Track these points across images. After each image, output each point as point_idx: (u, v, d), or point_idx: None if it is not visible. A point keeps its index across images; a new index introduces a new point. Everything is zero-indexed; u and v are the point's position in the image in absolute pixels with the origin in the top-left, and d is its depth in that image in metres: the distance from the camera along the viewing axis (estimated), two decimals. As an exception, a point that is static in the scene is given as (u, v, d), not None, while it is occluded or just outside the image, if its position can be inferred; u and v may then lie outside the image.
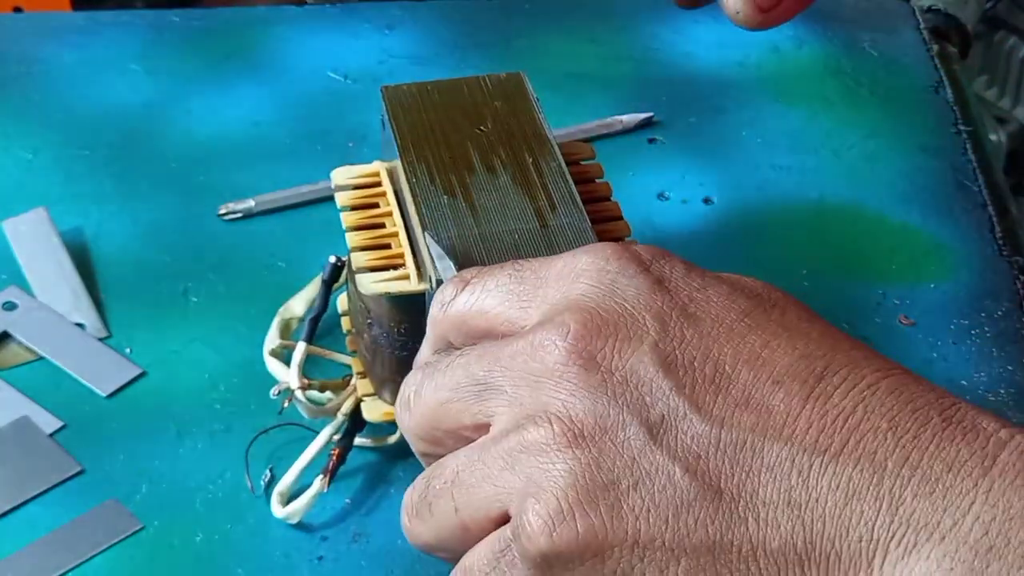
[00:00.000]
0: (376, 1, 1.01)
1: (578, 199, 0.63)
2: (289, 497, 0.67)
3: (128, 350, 0.75)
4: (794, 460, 0.45)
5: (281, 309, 0.74)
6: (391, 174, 0.68)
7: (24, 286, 0.78)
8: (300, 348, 0.69)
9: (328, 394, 0.69)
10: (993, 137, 1.25)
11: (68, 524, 0.67)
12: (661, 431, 0.46)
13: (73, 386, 0.73)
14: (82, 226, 0.82)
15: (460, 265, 0.58)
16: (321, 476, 0.66)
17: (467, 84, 0.69)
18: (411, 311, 0.62)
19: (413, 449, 0.53)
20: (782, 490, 0.45)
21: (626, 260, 0.50)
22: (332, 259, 0.72)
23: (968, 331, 0.77)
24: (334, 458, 0.67)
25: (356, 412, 0.67)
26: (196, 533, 0.67)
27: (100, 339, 0.76)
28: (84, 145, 0.88)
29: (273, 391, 0.68)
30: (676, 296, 0.49)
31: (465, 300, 0.52)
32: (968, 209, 0.86)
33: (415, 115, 0.67)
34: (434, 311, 0.54)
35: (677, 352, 0.47)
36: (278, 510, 0.66)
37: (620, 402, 0.47)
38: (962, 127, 0.92)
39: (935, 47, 0.99)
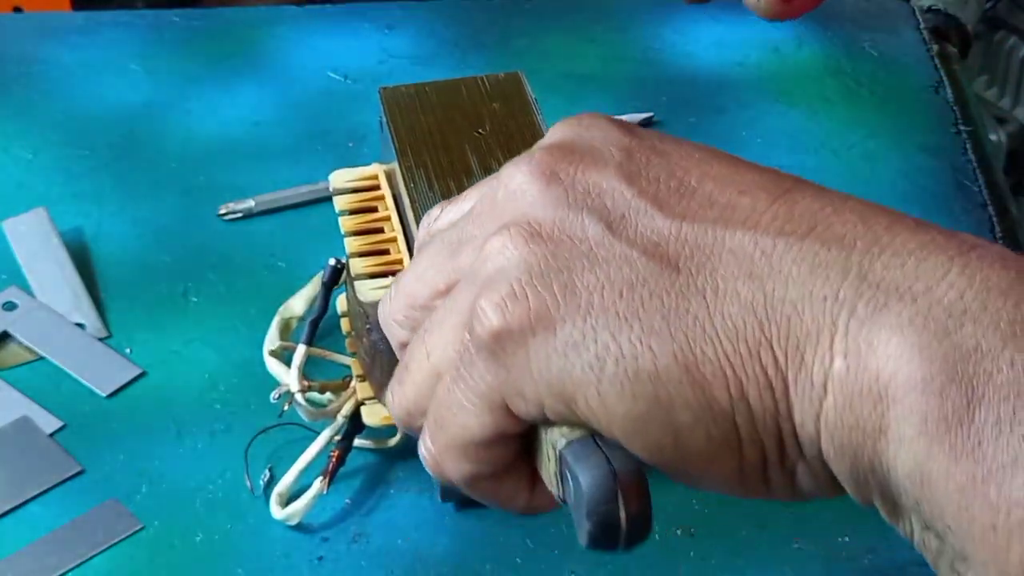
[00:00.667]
0: (376, 1, 1.01)
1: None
2: (288, 498, 0.67)
3: (128, 350, 0.75)
4: (757, 242, 0.44)
5: (281, 309, 0.74)
6: (389, 177, 0.68)
7: (24, 286, 0.78)
8: (300, 351, 0.69)
9: (328, 396, 0.68)
10: (993, 137, 1.24)
11: (68, 524, 0.67)
12: (621, 225, 0.45)
13: (73, 386, 0.73)
14: (82, 226, 0.82)
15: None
16: (321, 478, 0.66)
17: (465, 85, 0.69)
18: (410, 314, 0.62)
19: (393, 344, 0.52)
20: (743, 266, 0.44)
21: (596, 116, 0.50)
22: (332, 261, 0.72)
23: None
24: (334, 460, 0.67)
25: (356, 414, 0.67)
26: (196, 533, 0.67)
27: (100, 339, 0.76)
28: (84, 145, 0.88)
29: (273, 395, 0.68)
30: (644, 139, 0.48)
31: (449, 213, 0.52)
32: (968, 209, 0.86)
33: (413, 117, 0.67)
34: (420, 235, 0.53)
35: (642, 171, 0.47)
36: (277, 511, 0.67)
37: (580, 206, 0.46)
38: (962, 127, 0.92)
39: (935, 47, 0.99)
